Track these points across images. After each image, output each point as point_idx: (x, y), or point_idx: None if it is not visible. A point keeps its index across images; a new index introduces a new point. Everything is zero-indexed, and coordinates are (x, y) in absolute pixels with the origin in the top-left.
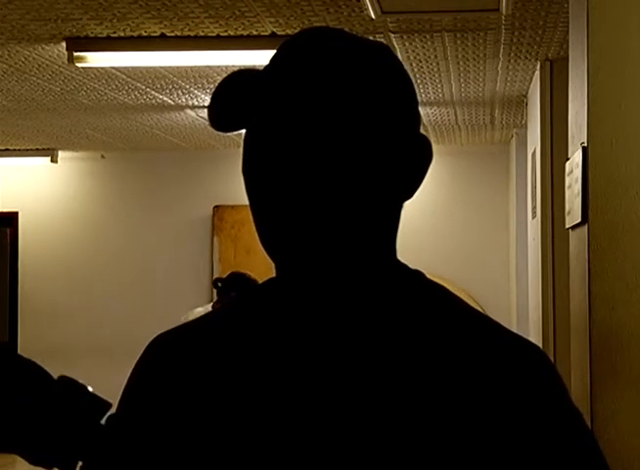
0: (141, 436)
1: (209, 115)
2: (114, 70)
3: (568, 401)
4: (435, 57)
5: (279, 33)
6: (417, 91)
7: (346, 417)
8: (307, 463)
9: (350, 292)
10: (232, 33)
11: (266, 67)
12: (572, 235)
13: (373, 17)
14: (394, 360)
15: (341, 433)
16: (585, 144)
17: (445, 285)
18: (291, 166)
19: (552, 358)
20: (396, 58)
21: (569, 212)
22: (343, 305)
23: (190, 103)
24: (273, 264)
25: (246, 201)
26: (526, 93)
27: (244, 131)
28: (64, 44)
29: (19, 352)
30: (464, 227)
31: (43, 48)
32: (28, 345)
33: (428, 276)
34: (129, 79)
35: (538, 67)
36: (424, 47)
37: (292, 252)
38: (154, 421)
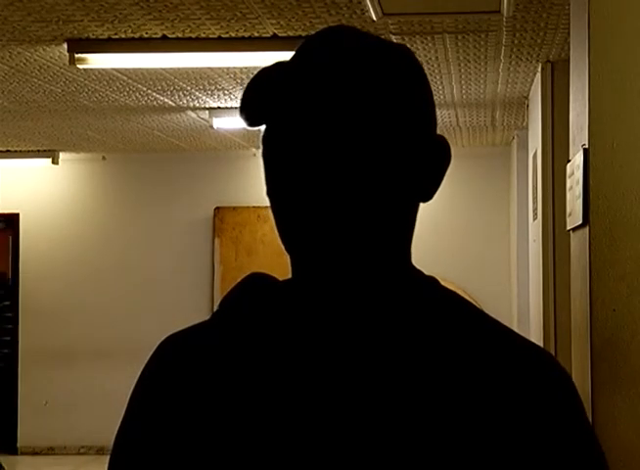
0: (152, 439)
1: (239, 107)
2: (115, 72)
3: (583, 420)
4: (437, 58)
5: (280, 35)
6: None
7: (359, 425)
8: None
9: (367, 296)
10: (233, 35)
11: (289, 63)
12: (573, 237)
13: (374, 18)
14: (408, 369)
15: (353, 440)
16: (586, 146)
17: (447, 286)
18: (310, 166)
19: None
20: (417, 60)
21: (570, 214)
22: (360, 311)
23: (191, 104)
24: (272, 267)
25: (246, 202)
26: (528, 95)
27: (263, 129)
28: (65, 46)
29: (19, 353)
30: (465, 229)
31: (44, 49)
32: (29, 346)
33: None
34: (130, 81)
35: (539, 68)
36: (425, 49)
37: (311, 250)
38: (166, 424)
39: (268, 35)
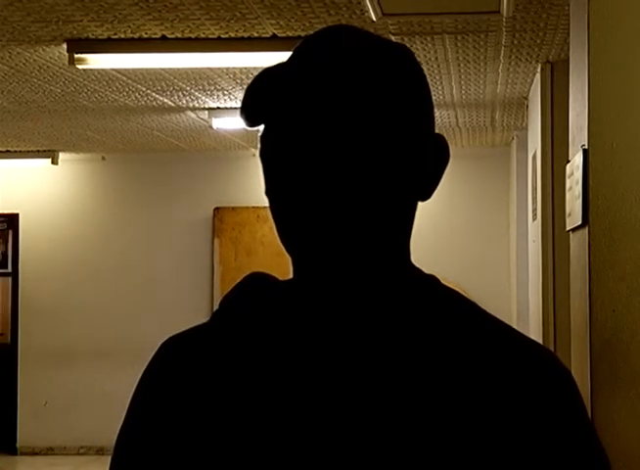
0: (153, 441)
1: (240, 108)
2: (114, 72)
3: (583, 417)
4: (436, 59)
5: (280, 35)
6: None
7: (360, 425)
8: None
9: (367, 295)
10: (233, 35)
11: (287, 62)
12: (573, 237)
13: (374, 19)
14: (409, 368)
15: (353, 439)
16: (586, 146)
17: (448, 285)
18: (308, 165)
19: None
20: (415, 59)
21: (569, 215)
22: (360, 310)
23: (190, 105)
24: (272, 267)
25: (246, 203)
26: (527, 95)
27: (261, 127)
28: (64, 46)
29: (19, 353)
30: (465, 229)
31: (44, 50)
32: (29, 346)
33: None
34: (130, 81)
35: (539, 69)
36: (424, 49)
37: (309, 249)
38: (167, 425)
39: (268, 36)
